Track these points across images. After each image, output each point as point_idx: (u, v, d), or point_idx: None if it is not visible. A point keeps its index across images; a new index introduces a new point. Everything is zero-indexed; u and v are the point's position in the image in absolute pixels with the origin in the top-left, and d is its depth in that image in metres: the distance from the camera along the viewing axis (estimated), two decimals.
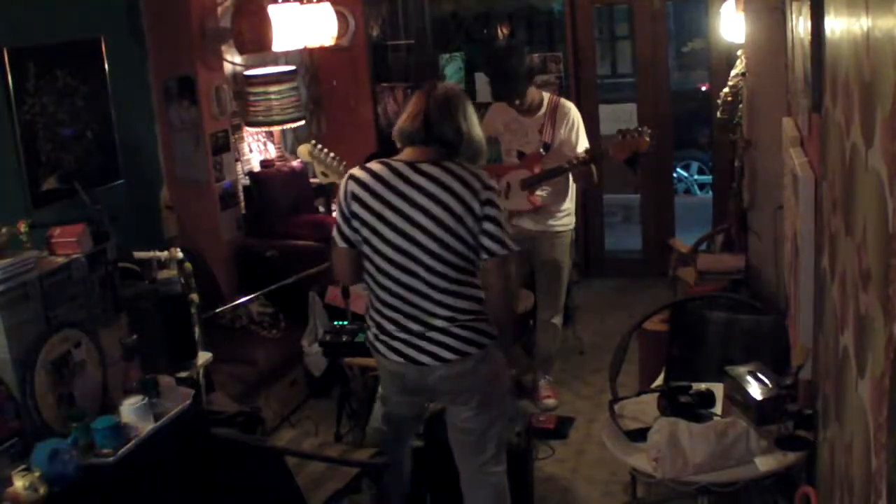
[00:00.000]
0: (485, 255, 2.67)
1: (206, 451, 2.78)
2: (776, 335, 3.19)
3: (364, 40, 5.85)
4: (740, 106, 4.15)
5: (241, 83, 4.98)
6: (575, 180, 4.41)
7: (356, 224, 2.72)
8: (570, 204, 4.45)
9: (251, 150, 5.24)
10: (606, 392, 3.31)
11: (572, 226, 4.52)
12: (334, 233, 2.79)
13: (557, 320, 4.60)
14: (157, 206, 4.63)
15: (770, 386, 2.63)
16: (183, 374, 3.14)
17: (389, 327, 2.76)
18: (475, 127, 2.76)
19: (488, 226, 2.65)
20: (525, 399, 4.60)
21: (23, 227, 2.54)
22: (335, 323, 3.78)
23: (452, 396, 2.84)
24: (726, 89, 4.35)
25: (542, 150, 4.31)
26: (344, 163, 3.80)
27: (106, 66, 4.19)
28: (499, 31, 6.53)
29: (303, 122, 5.32)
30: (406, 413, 3.04)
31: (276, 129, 5.22)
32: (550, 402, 4.58)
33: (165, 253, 3.42)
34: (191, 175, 4.65)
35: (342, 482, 3.02)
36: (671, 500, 3.27)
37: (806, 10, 2.37)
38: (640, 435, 2.77)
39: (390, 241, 2.68)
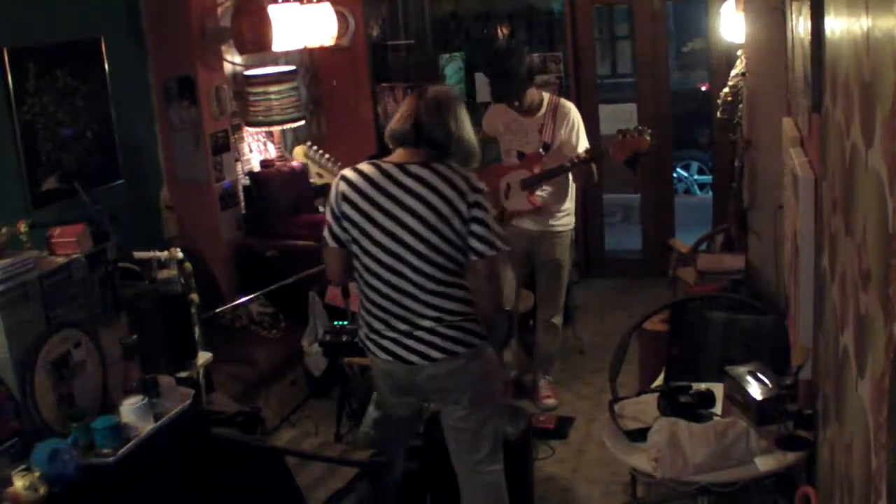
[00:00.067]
0: (473, 257, 2.70)
1: (206, 451, 2.78)
2: (776, 335, 3.19)
3: (364, 40, 5.85)
4: (740, 106, 4.15)
5: (241, 83, 4.98)
6: (575, 180, 4.41)
7: (346, 224, 2.76)
8: (570, 204, 4.45)
9: (251, 150, 5.24)
10: (606, 392, 3.30)
11: (572, 226, 4.52)
12: (325, 232, 2.84)
13: (557, 320, 4.60)
14: (157, 206, 4.63)
15: (770, 386, 2.63)
16: (183, 374, 3.14)
17: (378, 326, 2.80)
18: (467, 129, 2.79)
19: (476, 227, 2.68)
20: (525, 399, 4.60)
21: (23, 227, 2.55)
22: (335, 323, 3.79)
23: (443, 395, 2.87)
24: (726, 89, 4.35)
25: (541, 150, 4.30)
26: (338, 164, 3.81)
27: (106, 66, 4.19)
28: (499, 31, 6.53)
29: (303, 122, 5.32)
30: (400, 413, 3.06)
31: (276, 129, 5.22)
32: (550, 402, 4.58)
33: (165, 253, 3.43)
34: (191, 175, 4.65)
35: (342, 482, 3.02)
36: (671, 500, 3.27)
37: (806, 10, 2.37)
38: (640, 435, 2.77)
39: (378, 241, 2.71)
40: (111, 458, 2.38)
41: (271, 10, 4.64)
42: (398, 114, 2.81)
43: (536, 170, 4.30)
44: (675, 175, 7.78)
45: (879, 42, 1.23)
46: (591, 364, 5.01)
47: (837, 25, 1.79)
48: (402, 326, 2.75)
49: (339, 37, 5.25)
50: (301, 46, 4.98)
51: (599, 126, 6.28)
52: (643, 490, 3.28)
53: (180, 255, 3.44)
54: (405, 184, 2.69)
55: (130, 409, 2.50)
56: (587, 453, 4.09)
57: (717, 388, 2.86)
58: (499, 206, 4.44)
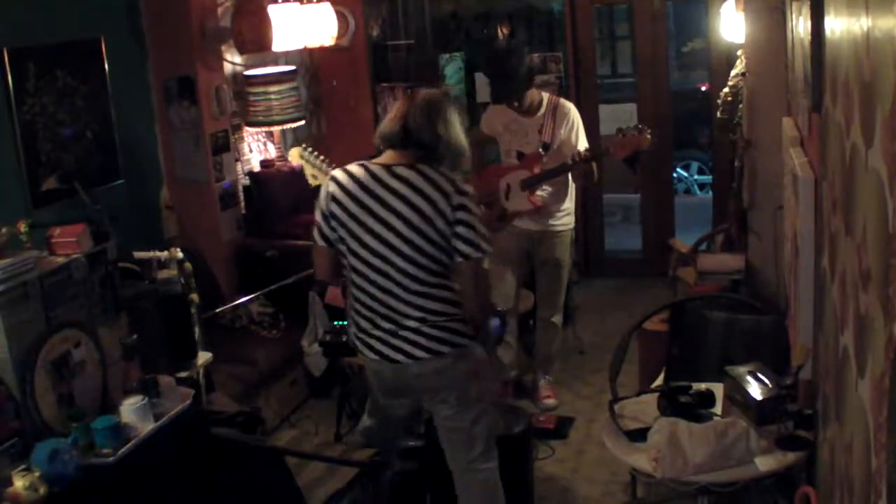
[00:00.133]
0: (458, 258, 2.73)
1: (206, 451, 2.78)
2: (776, 335, 3.19)
3: (364, 40, 5.85)
4: (740, 106, 4.15)
5: (241, 83, 4.98)
6: (575, 180, 4.41)
7: (334, 224, 2.81)
8: (569, 203, 4.45)
9: (251, 150, 5.24)
10: (606, 392, 3.30)
11: (572, 225, 4.53)
12: (314, 231, 2.89)
13: (557, 320, 4.60)
14: (157, 206, 4.62)
15: (770, 386, 2.63)
16: (183, 374, 3.15)
17: (365, 325, 2.85)
18: (456, 132, 2.81)
19: (460, 229, 2.71)
20: (525, 399, 4.60)
21: (23, 227, 2.55)
22: (335, 323, 3.78)
23: (431, 395, 2.90)
24: (726, 89, 4.35)
25: (541, 150, 4.30)
26: (333, 165, 3.82)
27: (106, 66, 4.19)
28: (499, 31, 6.53)
29: (303, 122, 5.32)
30: (397, 414, 3.08)
31: (276, 129, 5.21)
32: (550, 402, 4.58)
33: (165, 253, 3.43)
34: (191, 175, 4.65)
35: (342, 482, 3.02)
36: (671, 500, 3.27)
37: (806, 10, 2.37)
38: (640, 435, 2.77)
39: (364, 241, 2.76)
40: (111, 458, 2.38)
41: (271, 10, 4.64)
42: (388, 115, 2.86)
43: (536, 170, 4.30)
44: (675, 175, 7.78)
45: (879, 42, 1.23)
46: (591, 364, 5.01)
47: (837, 25, 1.79)
48: (388, 325, 2.79)
49: (339, 37, 5.25)
50: (301, 46, 4.98)
51: (599, 126, 6.28)
52: (643, 490, 3.28)
53: (180, 255, 3.44)
54: (391, 185, 2.73)
55: (130, 409, 2.50)
56: (587, 453, 4.09)
57: (717, 388, 2.86)
58: (499, 206, 4.44)
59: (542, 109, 4.33)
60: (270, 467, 2.95)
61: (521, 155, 4.39)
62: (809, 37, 2.28)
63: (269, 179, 5.07)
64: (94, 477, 2.34)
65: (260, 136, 5.29)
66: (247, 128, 5.09)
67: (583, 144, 4.32)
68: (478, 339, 2.89)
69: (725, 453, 2.56)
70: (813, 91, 2.26)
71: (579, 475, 3.94)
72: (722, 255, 4.21)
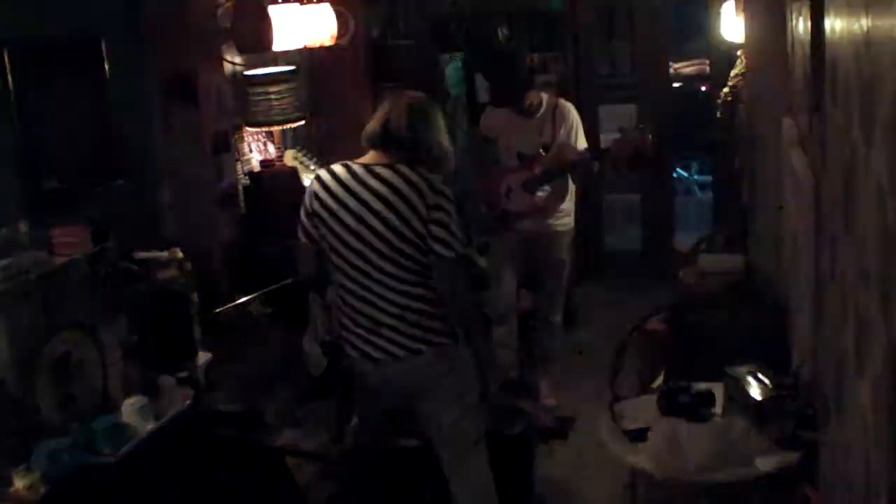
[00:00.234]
0: (433, 258, 2.77)
1: (206, 451, 2.78)
2: (776, 335, 3.19)
3: (364, 40, 5.84)
4: (740, 106, 4.15)
5: (241, 83, 4.98)
6: (574, 180, 4.40)
7: (316, 221, 2.87)
8: (569, 203, 4.45)
9: (251, 150, 5.23)
10: (606, 392, 3.30)
11: (572, 225, 4.52)
12: (299, 229, 2.95)
13: (557, 320, 4.60)
14: (157, 206, 4.62)
15: (770, 386, 2.63)
16: (183, 374, 3.15)
17: (347, 322, 2.90)
18: (438, 135, 2.87)
19: (435, 229, 2.74)
20: (525, 399, 4.60)
21: (23, 227, 2.55)
22: None
23: (410, 393, 2.93)
24: (726, 89, 4.35)
25: (542, 150, 4.30)
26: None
27: (106, 66, 4.18)
28: (499, 31, 6.52)
29: (303, 122, 5.31)
30: (380, 412, 3.10)
31: (276, 129, 5.21)
32: (550, 402, 4.58)
33: (165, 253, 3.43)
34: (191, 175, 4.64)
35: (342, 482, 3.02)
36: (671, 500, 3.27)
37: (806, 10, 2.37)
38: (640, 435, 2.77)
39: (344, 240, 2.81)
40: (111, 458, 2.38)
41: (271, 10, 4.64)
42: (373, 116, 2.92)
43: (537, 171, 4.30)
44: (675, 175, 7.77)
45: (879, 42, 1.23)
46: (591, 364, 5.00)
47: (837, 25, 1.79)
48: (367, 324, 2.84)
49: (339, 37, 5.25)
50: (301, 46, 4.98)
51: (599, 126, 6.28)
52: (643, 490, 3.28)
53: (180, 255, 3.44)
54: (370, 185, 2.79)
55: (130, 409, 2.50)
56: (587, 453, 4.08)
57: (717, 388, 2.86)
58: (500, 207, 4.44)
59: (542, 110, 4.33)
60: (270, 467, 2.95)
61: (520, 156, 4.39)
62: (809, 37, 2.28)
63: (269, 179, 5.07)
64: (94, 477, 2.34)
65: (260, 136, 5.28)
66: (247, 128, 5.09)
67: (582, 145, 4.32)
68: (469, 339, 2.91)
69: (725, 453, 2.55)
70: (813, 91, 2.26)
71: (579, 475, 3.93)
72: (722, 255, 4.21)
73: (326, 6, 5.01)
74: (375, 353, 2.85)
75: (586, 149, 4.32)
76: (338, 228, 2.82)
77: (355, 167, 2.85)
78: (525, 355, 4.83)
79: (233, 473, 2.83)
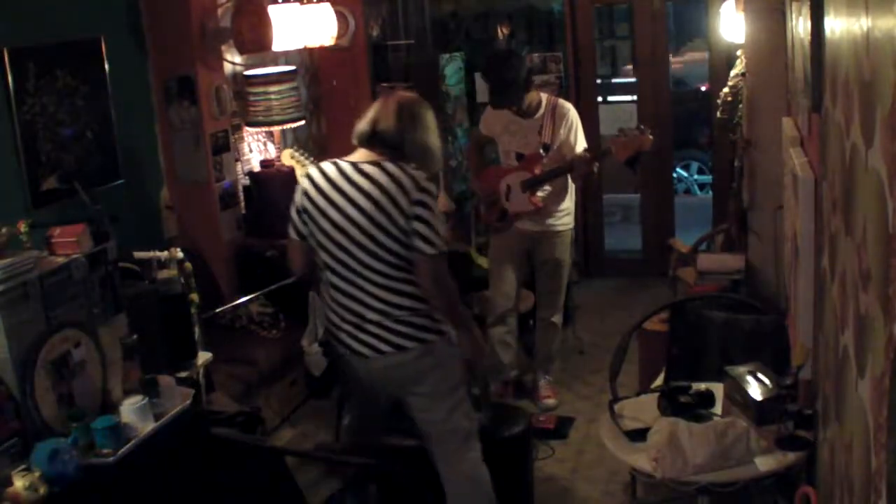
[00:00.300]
0: (415, 254, 2.79)
1: (206, 451, 2.78)
2: (776, 335, 3.19)
3: (364, 40, 5.84)
4: (740, 106, 4.15)
5: (241, 83, 4.98)
6: (574, 180, 4.41)
7: (305, 218, 2.92)
8: (569, 203, 4.45)
9: (251, 150, 5.23)
10: (606, 392, 3.31)
11: (572, 225, 4.53)
12: (289, 225, 2.99)
13: (557, 320, 4.60)
14: (157, 206, 4.62)
15: (770, 386, 2.63)
16: (183, 374, 3.15)
17: (335, 319, 2.94)
18: (426, 134, 2.91)
19: (417, 225, 2.77)
20: (525, 399, 4.60)
21: (23, 227, 2.54)
22: None
23: (399, 389, 2.97)
24: (726, 89, 4.35)
25: (542, 150, 4.30)
26: None
27: (106, 66, 4.18)
28: (499, 31, 6.53)
29: (303, 122, 5.31)
30: (370, 408, 3.14)
31: (276, 129, 5.21)
32: (550, 402, 4.58)
33: (165, 253, 3.42)
34: (191, 175, 4.64)
35: (342, 482, 3.02)
36: (671, 500, 3.27)
37: (806, 10, 2.37)
38: (640, 435, 2.77)
39: (331, 236, 2.85)
40: (111, 458, 2.38)
41: (271, 10, 4.64)
42: (364, 115, 2.96)
43: (537, 171, 4.30)
44: (675, 175, 7.77)
45: (879, 42, 1.23)
46: (591, 364, 5.01)
47: (837, 25, 1.79)
48: (353, 319, 2.88)
49: (339, 37, 5.25)
50: (301, 46, 4.98)
51: (599, 126, 6.28)
52: (643, 490, 3.28)
53: (180, 255, 3.44)
54: (356, 181, 2.82)
55: (130, 409, 2.50)
56: (587, 453, 4.09)
57: (717, 388, 2.86)
58: (500, 207, 4.44)
59: (541, 110, 4.33)
60: (270, 467, 2.95)
61: (520, 156, 4.39)
62: (809, 37, 2.28)
63: (269, 179, 5.07)
64: (94, 477, 2.34)
65: (260, 136, 5.29)
66: (247, 128, 5.09)
67: (581, 144, 4.32)
68: (462, 335, 2.93)
69: (725, 453, 2.56)
70: (813, 91, 2.26)
71: (579, 475, 3.94)
72: (722, 255, 4.21)
73: (326, 6, 5.02)
74: (362, 349, 2.89)
75: (586, 149, 4.32)
76: (325, 225, 2.85)
77: (343, 164, 2.89)
78: (525, 355, 4.84)
79: (233, 473, 2.82)
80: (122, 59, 4.31)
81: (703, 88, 7.39)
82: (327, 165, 2.92)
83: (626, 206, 7.90)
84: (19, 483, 2.17)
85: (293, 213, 2.96)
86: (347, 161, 2.90)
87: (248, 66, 5.02)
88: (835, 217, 1.89)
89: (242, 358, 4.28)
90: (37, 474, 2.20)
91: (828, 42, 2.02)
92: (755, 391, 2.62)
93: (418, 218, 2.76)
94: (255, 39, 4.59)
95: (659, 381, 3.43)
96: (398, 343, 2.84)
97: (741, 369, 2.73)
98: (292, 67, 5.23)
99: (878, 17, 1.23)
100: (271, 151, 5.38)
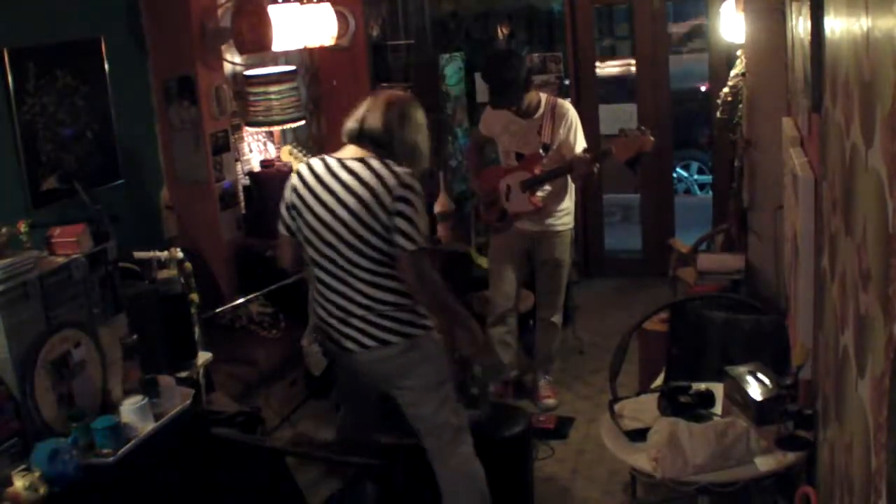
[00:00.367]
0: (397, 250, 2.81)
1: (206, 451, 2.78)
2: (776, 335, 3.19)
3: (364, 40, 5.84)
4: (740, 106, 4.15)
5: (241, 83, 4.98)
6: (574, 180, 4.40)
7: (293, 213, 2.97)
8: (569, 203, 4.45)
9: (251, 150, 5.23)
10: (606, 392, 3.31)
11: (572, 225, 4.52)
12: (279, 221, 3.04)
13: (557, 320, 4.60)
14: (157, 206, 4.62)
15: (770, 386, 2.63)
16: (183, 374, 3.15)
17: (322, 313, 2.97)
18: (414, 133, 2.94)
19: (399, 221, 2.79)
20: (525, 399, 4.61)
21: (23, 227, 2.55)
22: None
23: (386, 383, 2.99)
24: (726, 89, 4.35)
25: (541, 151, 4.30)
26: None
27: (106, 66, 4.18)
28: (499, 31, 6.53)
29: (303, 122, 5.31)
30: (360, 403, 3.17)
31: (276, 129, 5.21)
32: (550, 402, 4.58)
33: (165, 253, 3.43)
34: (191, 175, 4.64)
35: (342, 482, 3.02)
36: (671, 500, 3.27)
37: (806, 10, 2.37)
38: (640, 435, 2.77)
39: (317, 231, 2.89)
40: (111, 458, 2.38)
41: (271, 10, 4.64)
42: (353, 112, 2.98)
43: (537, 171, 4.30)
44: (675, 175, 7.77)
45: (879, 42, 1.23)
46: (591, 364, 5.01)
47: (837, 25, 1.79)
48: (339, 314, 2.91)
49: (339, 37, 5.25)
50: (301, 46, 4.98)
51: (599, 126, 6.28)
52: (643, 490, 3.28)
53: (180, 255, 3.44)
54: (341, 177, 2.86)
55: (130, 409, 2.50)
56: (587, 453, 4.09)
57: (717, 388, 2.86)
58: (499, 207, 4.44)
59: (541, 110, 4.32)
60: (270, 467, 2.95)
61: (519, 156, 4.38)
62: (809, 37, 2.28)
63: (269, 179, 5.06)
64: (94, 477, 2.34)
65: (260, 136, 5.29)
66: (247, 128, 5.09)
67: (581, 144, 4.32)
68: (462, 332, 2.96)
69: (725, 453, 2.56)
70: (813, 91, 2.26)
71: (579, 475, 3.94)
72: (722, 255, 4.21)
73: (326, 6, 5.02)
74: (347, 343, 2.92)
75: (585, 149, 4.32)
76: (311, 220, 2.89)
77: (331, 161, 2.93)
78: (525, 355, 4.84)
79: (233, 473, 2.83)
80: (122, 59, 4.31)
81: (703, 88, 7.39)
82: (315, 161, 2.97)
83: (626, 206, 7.90)
84: (19, 483, 2.17)
85: (282, 209, 3.02)
86: (335, 157, 2.94)
87: (248, 66, 5.02)
88: (835, 217, 1.89)
89: (242, 358, 4.28)
90: (37, 474, 2.20)
91: (828, 42, 2.02)
92: (755, 391, 2.62)
93: (400, 214, 2.78)
94: (255, 39, 4.59)
95: (659, 381, 3.43)
96: (382, 337, 2.87)
97: (741, 369, 2.73)
98: (292, 67, 5.23)
99: (878, 17, 1.23)
100: (271, 151, 5.38)
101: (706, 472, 2.56)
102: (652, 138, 4.08)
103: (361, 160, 2.87)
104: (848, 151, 1.61)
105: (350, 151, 2.94)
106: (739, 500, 2.76)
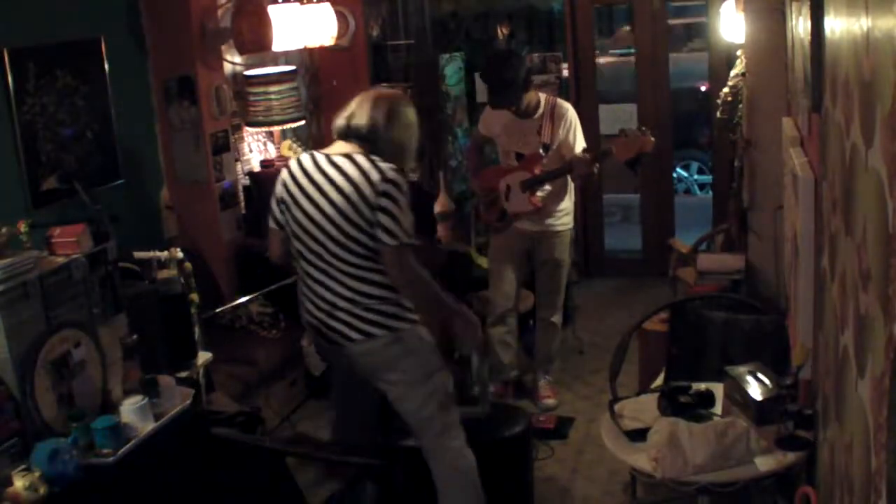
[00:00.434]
0: (380, 245, 2.83)
1: (206, 451, 2.78)
2: (776, 335, 3.19)
3: (364, 40, 5.84)
4: (740, 106, 4.15)
5: (241, 83, 4.98)
6: (574, 180, 4.40)
7: (282, 207, 3.00)
8: (569, 203, 4.44)
9: (251, 150, 5.24)
10: (606, 392, 3.31)
11: (572, 225, 4.52)
12: (269, 215, 3.06)
13: (557, 320, 4.60)
14: (157, 206, 4.62)
15: (770, 386, 2.63)
16: (183, 374, 3.15)
17: (308, 306, 2.99)
18: (400, 130, 2.95)
19: (382, 217, 2.81)
20: (525, 399, 4.60)
21: (23, 227, 2.55)
22: None
23: (371, 376, 3.00)
24: (726, 89, 4.35)
25: (541, 151, 4.30)
26: None
27: (106, 66, 4.19)
28: (499, 31, 6.53)
29: (303, 122, 5.32)
30: (351, 399, 3.17)
31: (276, 129, 5.21)
32: (550, 402, 4.58)
33: (165, 253, 3.43)
34: (191, 175, 4.65)
35: (342, 482, 3.02)
36: (671, 500, 3.27)
37: (806, 10, 2.37)
38: (640, 435, 2.77)
39: (303, 225, 2.91)
40: (111, 458, 2.38)
41: (271, 10, 4.64)
42: (344, 109, 3.02)
43: (537, 171, 4.30)
44: (675, 175, 7.77)
45: (879, 42, 1.23)
46: (591, 364, 5.00)
47: (837, 25, 1.79)
48: (325, 307, 2.93)
49: (339, 37, 5.25)
50: (301, 46, 4.98)
51: (599, 126, 6.28)
52: (643, 490, 3.28)
53: (180, 255, 3.44)
54: (328, 173, 2.89)
55: (130, 409, 2.50)
56: (587, 453, 4.08)
57: (717, 388, 2.86)
58: (499, 207, 4.44)
59: (540, 110, 4.32)
60: (270, 467, 2.95)
61: (519, 156, 4.38)
62: (809, 37, 2.28)
63: (269, 179, 5.05)
64: (94, 477, 2.34)
65: (260, 136, 5.29)
66: (247, 128, 5.09)
67: (580, 144, 4.32)
68: (461, 329, 2.97)
69: (725, 453, 2.56)
70: (813, 91, 2.26)
71: (579, 475, 3.93)
72: (722, 255, 4.21)
73: (326, 6, 5.02)
74: (332, 336, 2.94)
75: (585, 149, 4.32)
76: (298, 215, 2.92)
77: (319, 156, 2.96)
78: (525, 355, 4.84)
79: (233, 473, 2.83)
80: (122, 59, 4.31)
81: (703, 88, 7.39)
82: (305, 157, 3.00)
83: (626, 206, 7.90)
84: (19, 483, 2.17)
85: (272, 203, 3.04)
86: (323, 153, 2.97)
87: (248, 66, 5.02)
88: (835, 217, 1.89)
89: (242, 358, 4.28)
90: (37, 474, 2.20)
91: (828, 42, 2.02)
92: (755, 391, 2.62)
93: (383, 209, 2.80)
94: (255, 39, 4.59)
95: (659, 381, 3.43)
96: (367, 330, 2.88)
97: (741, 369, 2.73)
98: (292, 67, 5.23)
99: (878, 17, 1.23)
100: (271, 151, 5.39)
101: (706, 472, 2.56)
102: (652, 139, 4.08)
103: (348, 156, 2.89)
104: (848, 151, 1.61)
105: (338, 147, 2.97)
106: (739, 500, 2.76)
